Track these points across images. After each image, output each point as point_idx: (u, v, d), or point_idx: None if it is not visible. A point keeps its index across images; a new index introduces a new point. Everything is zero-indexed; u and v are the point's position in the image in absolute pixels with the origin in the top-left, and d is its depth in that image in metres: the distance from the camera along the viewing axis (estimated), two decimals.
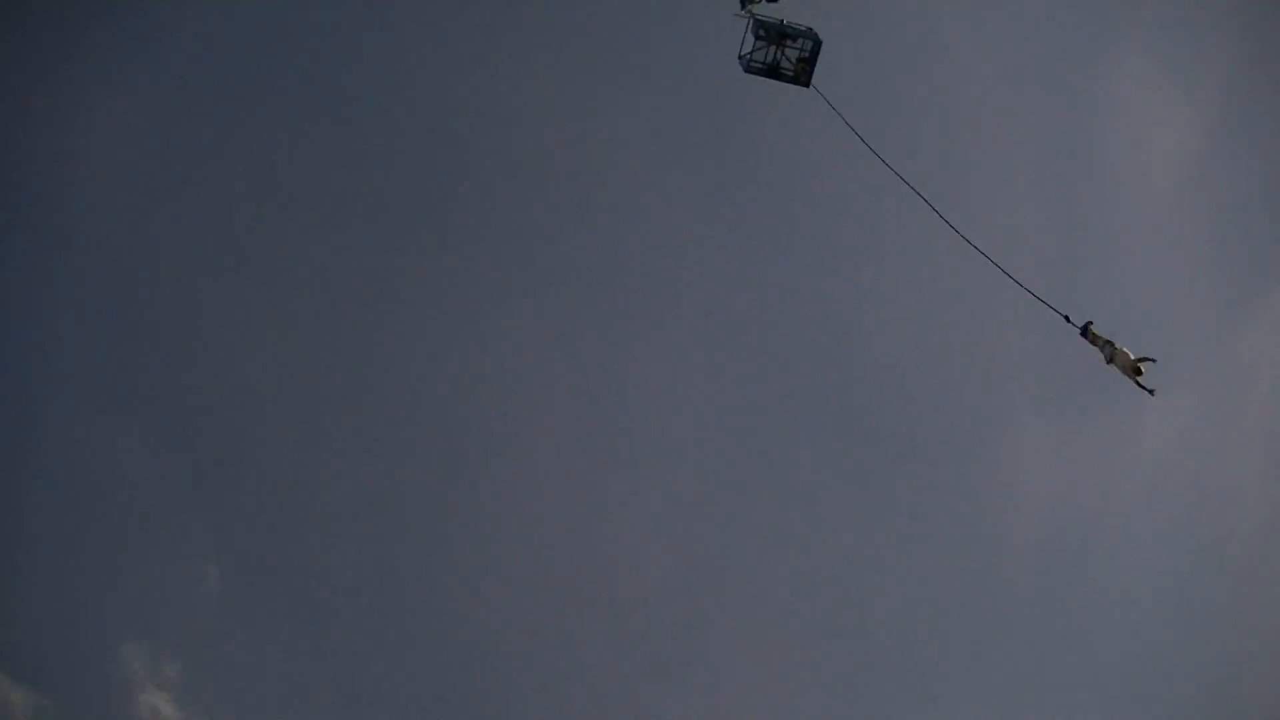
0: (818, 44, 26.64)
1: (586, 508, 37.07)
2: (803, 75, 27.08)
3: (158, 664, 30.27)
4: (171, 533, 33.07)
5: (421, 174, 38.00)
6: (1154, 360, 18.16)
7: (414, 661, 34.19)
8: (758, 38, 26.94)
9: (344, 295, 36.42)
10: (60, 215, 30.70)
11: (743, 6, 26.92)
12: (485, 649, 34.47)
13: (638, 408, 37.88)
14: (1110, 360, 18.60)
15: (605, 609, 35.90)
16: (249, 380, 35.14)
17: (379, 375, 36.66)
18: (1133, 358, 18.36)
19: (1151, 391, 18.08)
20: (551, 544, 36.52)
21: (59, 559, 30.70)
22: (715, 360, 38.75)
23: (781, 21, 26.80)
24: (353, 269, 36.63)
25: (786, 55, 27.10)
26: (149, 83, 33.40)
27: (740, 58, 27.29)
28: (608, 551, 36.66)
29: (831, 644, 35.84)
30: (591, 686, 34.55)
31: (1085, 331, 19.05)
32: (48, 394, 32.05)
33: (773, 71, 27.41)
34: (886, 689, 34.69)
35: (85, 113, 31.54)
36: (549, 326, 38.66)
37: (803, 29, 26.75)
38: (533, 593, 35.72)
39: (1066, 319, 19.01)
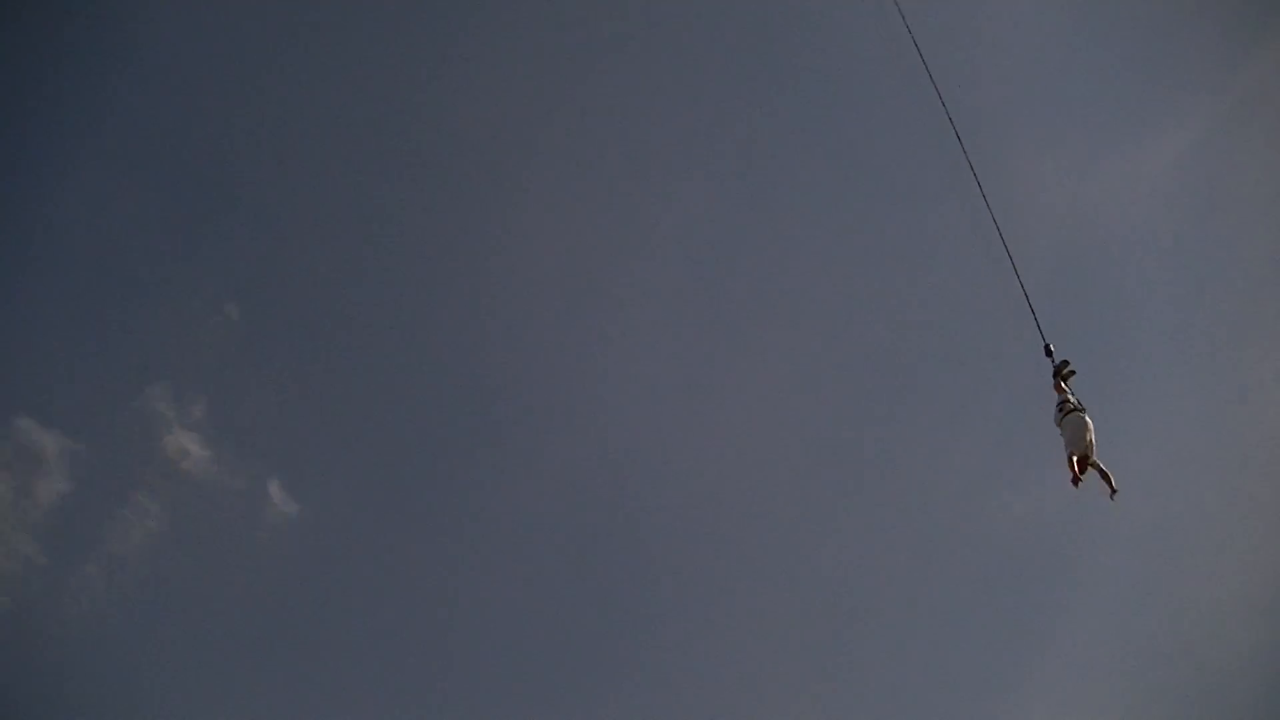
0: None
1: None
2: None
3: (184, 404, 29.94)
4: (190, 268, 32.03)
5: None
6: (1113, 492, 12.71)
7: (442, 379, 34.14)
8: None
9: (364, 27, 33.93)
10: None
11: None
12: (506, 370, 34.33)
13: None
14: (1059, 425, 13.09)
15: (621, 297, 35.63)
16: (262, 106, 32.99)
17: (400, 100, 34.62)
18: (1085, 451, 12.59)
19: (1112, 495, 12.74)
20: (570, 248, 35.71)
21: (78, 300, 30.45)
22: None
23: None
24: None
25: None
26: None
27: None
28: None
29: (832, 343, 36.28)
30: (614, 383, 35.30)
31: (1056, 373, 13.61)
32: (55, 129, 30.21)
33: None
34: (883, 392, 35.61)
35: None
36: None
37: None
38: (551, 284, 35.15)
39: (1047, 349, 13.74)
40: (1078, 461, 12.47)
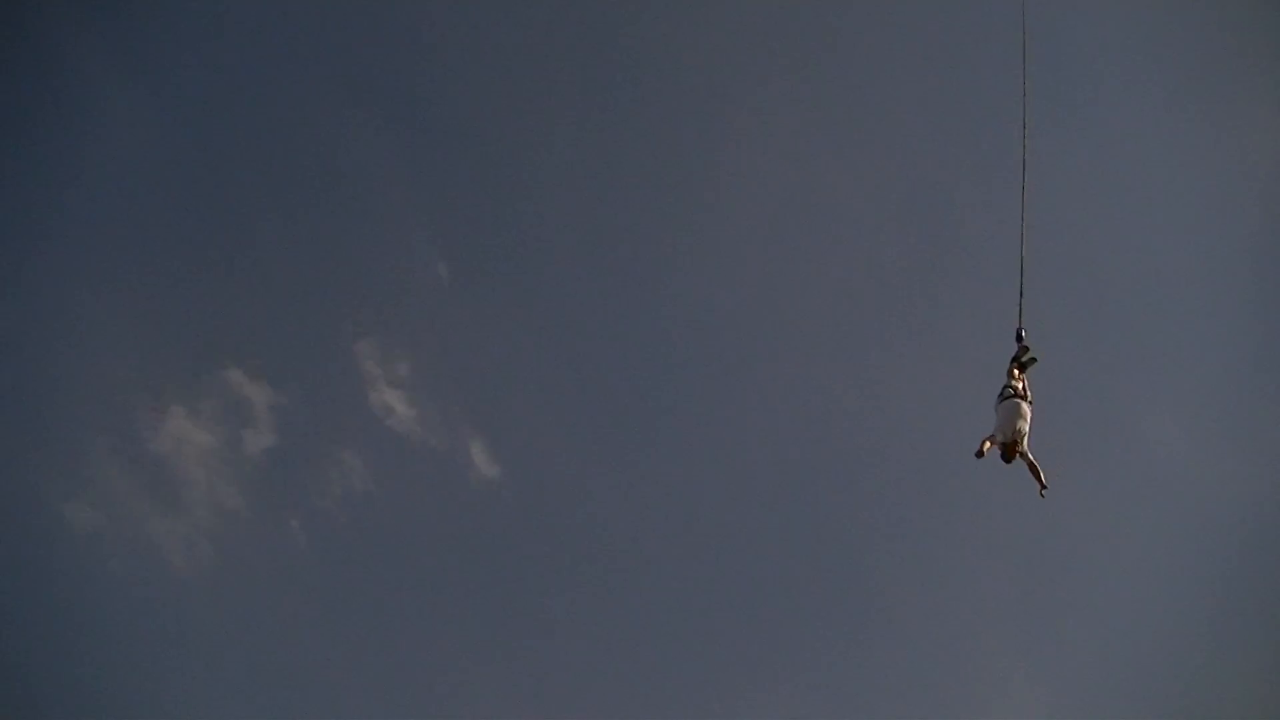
0: None
1: None
2: None
3: (390, 361, 29.80)
4: (398, 225, 32.11)
5: None
6: (1042, 488, 12.36)
7: (647, 346, 33.19)
8: None
9: None
10: None
11: None
12: (710, 336, 33.46)
13: None
14: (995, 409, 12.53)
15: None
16: (467, 60, 33.17)
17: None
18: (1011, 438, 12.15)
19: (1042, 491, 12.37)
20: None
21: (287, 251, 31.19)
22: None
23: None
24: None
25: None
26: None
27: None
28: None
29: None
30: None
31: (1015, 357, 13.07)
32: (261, 78, 31.24)
33: None
34: None
35: None
36: None
37: None
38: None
39: (1019, 334, 13.26)
40: (1005, 448, 12.19)
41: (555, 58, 33.35)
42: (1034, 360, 12.97)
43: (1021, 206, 14.17)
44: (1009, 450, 12.17)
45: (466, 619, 28.50)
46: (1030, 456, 12.27)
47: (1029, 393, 12.55)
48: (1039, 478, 12.34)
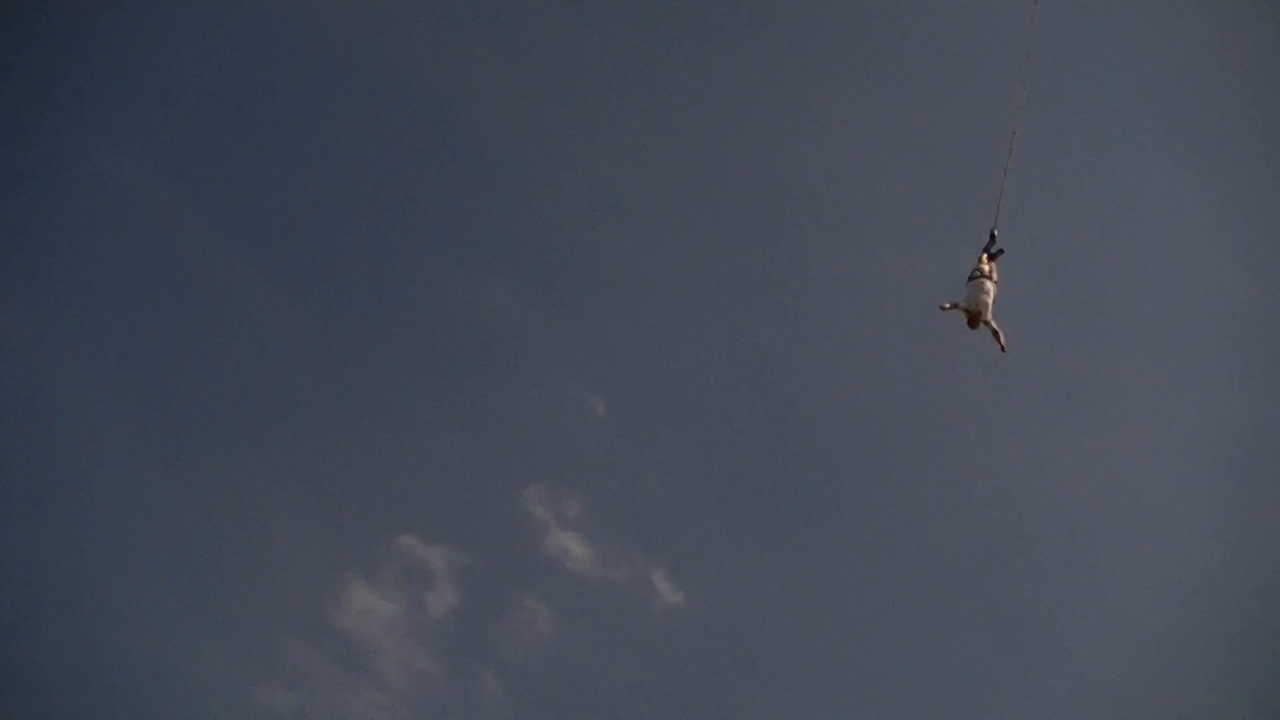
0: None
1: None
2: None
3: (559, 504, 30.56)
4: (552, 368, 33.55)
5: None
6: (1002, 349, 14.41)
7: (813, 455, 33.62)
8: None
9: None
10: None
11: None
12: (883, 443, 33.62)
13: None
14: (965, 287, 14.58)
15: None
16: (593, 203, 35.25)
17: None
18: (977, 309, 14.23)
19: (1002, 351, 14.45)
20: None
21: (440, 410, 32.63)
22: None
23: None
24: None
25: None
26: None
27: None
28: None
29: None
30: None
31: (985, 248, 15.04)
32: (406, 248, 33.63)
33: None
34: None
35: None
36: None
37: None
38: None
39: (992, 233, 15.13)
40: (972, 316, 14.29)
41: (682, 189, 35.45)
42: (1001, 251, 15.08)
43: (1010, 137, 15.84)
44: (974, 319, 14.34)
45: None
46: (994, 325, 14.44)
47: (994, 274, 14.72)
48: (1000, 342, 14.50)
